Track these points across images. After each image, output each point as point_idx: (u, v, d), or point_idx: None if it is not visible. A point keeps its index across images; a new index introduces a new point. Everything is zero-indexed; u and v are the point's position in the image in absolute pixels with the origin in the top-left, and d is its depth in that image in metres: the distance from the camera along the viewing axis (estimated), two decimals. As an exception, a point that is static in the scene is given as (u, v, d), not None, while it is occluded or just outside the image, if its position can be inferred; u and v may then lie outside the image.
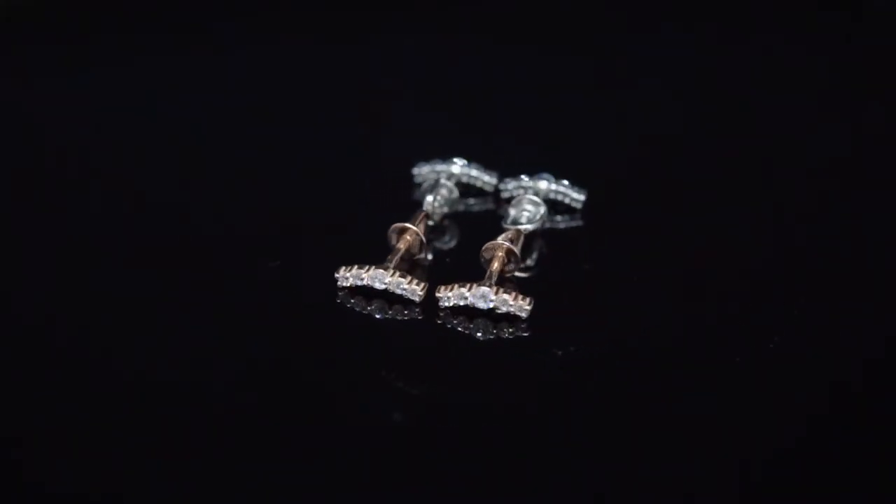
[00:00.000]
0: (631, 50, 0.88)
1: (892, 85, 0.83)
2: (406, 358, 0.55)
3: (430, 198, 0.64)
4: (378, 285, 0.58)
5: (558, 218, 0.65)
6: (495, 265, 0.59)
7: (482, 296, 0.57)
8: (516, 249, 0.59)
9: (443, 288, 0.58)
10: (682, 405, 0.54)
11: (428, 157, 0.68)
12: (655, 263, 0.63)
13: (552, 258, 0.62)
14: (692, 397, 0.54)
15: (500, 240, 0.59)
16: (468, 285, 0.57)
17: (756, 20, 0.93)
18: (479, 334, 0.57)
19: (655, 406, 0.53)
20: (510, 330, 0.57)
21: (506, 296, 0.57)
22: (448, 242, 0.64)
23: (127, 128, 0.74)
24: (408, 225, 0.61)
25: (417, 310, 0.58)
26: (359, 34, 0.86)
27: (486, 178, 0.67)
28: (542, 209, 0.62)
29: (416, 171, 0.67)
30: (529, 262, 0.62)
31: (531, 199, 0.62)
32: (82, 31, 0.86)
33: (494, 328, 0.57)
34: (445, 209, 0.65)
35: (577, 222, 0.65)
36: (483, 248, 0.60)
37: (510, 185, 0.66)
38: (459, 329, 0.57)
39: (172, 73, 0.81)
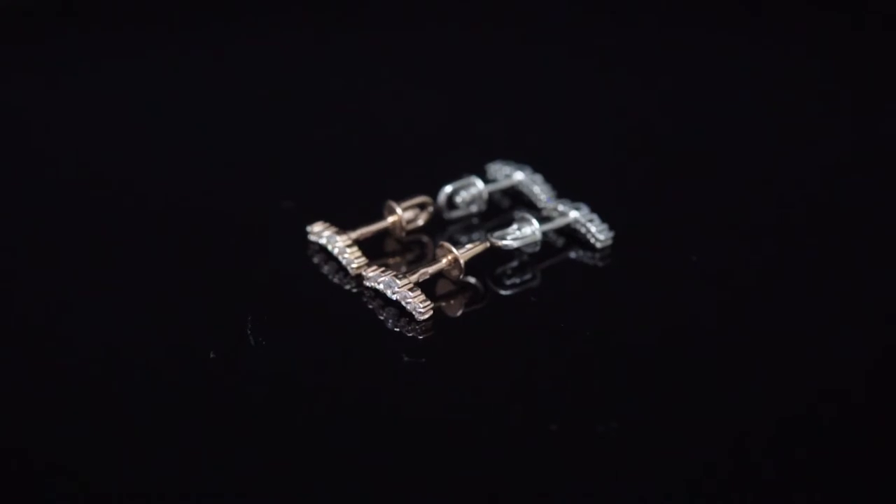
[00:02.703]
0: (631, 50, 0.83)
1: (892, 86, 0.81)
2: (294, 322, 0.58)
3: (448, 188, 0.65)
4: (330, 248, 0.61)
5: (581, 252, 0.63)
6: (435, 265, 0.60)
7: (388, 285, 0.58)
8: (462, 260, 0.60)
9: (371, 268, 0.60)
10: (679, 407, 0.54)
11: (423, 157, 0.70)
12: (652, 266, 0.62)
13: (539, 280, 0.62)
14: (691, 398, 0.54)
15: (458, 246, 0.60)
16: (389, 272, 0.59)
17: (756, 20, 0.87)
18: (389, 322, 0.58)
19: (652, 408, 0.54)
20: (411, 328, 0.58)
21: (409, 293, 0.58)
22: (470, 240, 0.64)
23: (119, 126, 0.75)
24: (395, 207, 0.63)
25: (353, 283, 0.60)
26: (357, 32, 0.86)
27: (539, 195, 0.66)
28: (536, 235, 0.61)
29: (487, 167, 0.68)
30: (517, 279, 0.61)
31: (531, 223, 0.62)
32: (61, 31, 0.85)
33: (398, 322, 0.58)
34: (474, 208, 0.65)
35: (594, 261, 0.63)
36: (439, 245, 0.60)
37: (549, 204, 0.65)
38: (371, 310, 0.59)
39: (166, 72, 0.81)
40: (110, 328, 0.57)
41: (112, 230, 0.64)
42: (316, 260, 0.62)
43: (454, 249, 0.60)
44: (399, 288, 0.58)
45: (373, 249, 0.62)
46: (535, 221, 0.62)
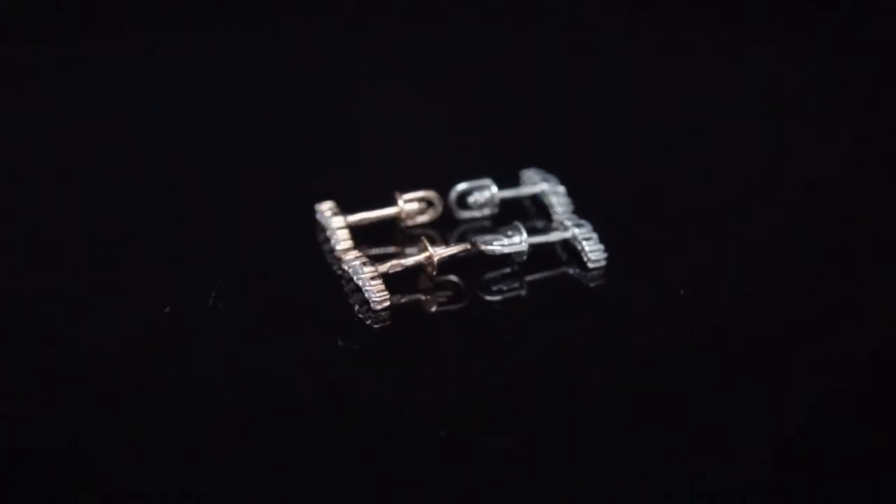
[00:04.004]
0: (630, 51, 0.81)
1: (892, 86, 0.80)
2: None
3: (462, 186, 0.66)
4: (325, 227, 0.64)
5: (577, 269, 0.63)
6: (409, 259, 0.61)
7: (355, 270, 0.60)
8: (435, 259, 0.61)
9: (352, 252, 0.62)
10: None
11: (416, 159, 0.71)
12: (644, 288, 0.62)
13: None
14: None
15: (438, 244, 0.62)
16: (362, 258, 0.61)
17: (758, 23, 0.84)
18: (355, 307, 0.60)
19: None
20: (369, 316, 0.59)
21: (370, 281, 0.59)
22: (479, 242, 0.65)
23: (117, 126, 0.76)
24: (397, 197, 0.65)
25: (337, 264, 0.63)
26: (350, 30, 0.85)
27: (557, 209, 0.66)
28: (523, 246, 0.62)
29: (522, 173, 0.69)
30: (503, 286, 0.62)
31: (521, 233, 0.62)
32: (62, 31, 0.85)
33: (362, 308, 0.60)
34: (487, 211, 0.67)
35: (585, 280, 0.62)
36: (421, 238, 0.62)
37: (559, 218, 0.65)
38: (344, 293, 0.61)
39: (167, 72, 0.81)
40: (109, 327, 0.60)
41: (111, 229, 0.67)
42: (320, 238, 0.65)
43: (429, 247, 0.61)
44: (362, 274, 0.60)
45: (375, 236, 0.64)
46: (524, 232, 0.62)
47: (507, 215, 0.66)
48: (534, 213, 0.68)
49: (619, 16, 0.87)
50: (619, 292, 0.62)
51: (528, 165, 0.69)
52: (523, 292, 0.62)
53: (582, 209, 0.66)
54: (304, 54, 0.83)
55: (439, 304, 0.61)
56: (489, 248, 0.62)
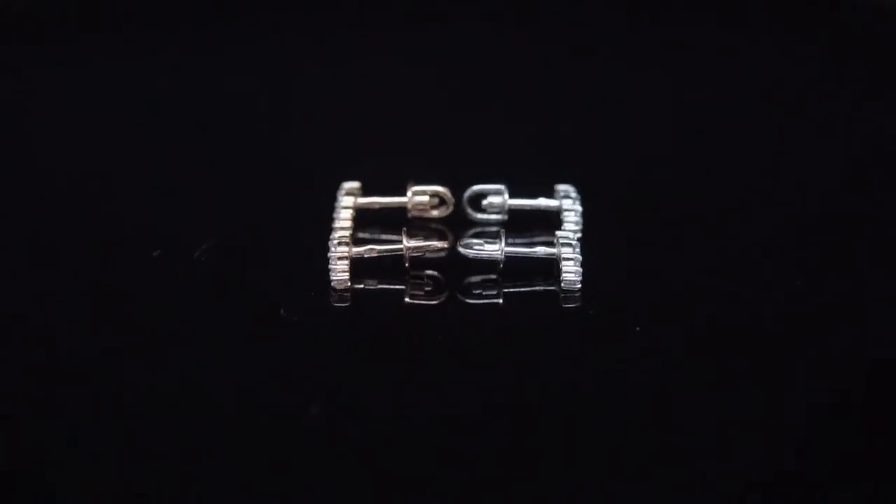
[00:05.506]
0: (630, 51, 0.82)
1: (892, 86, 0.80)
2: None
3: (476, 187, 0.66)
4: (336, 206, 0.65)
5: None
6: (384, 247, 0.62)
7: (330, 249, 0.61)
8: (407, 251, 0.62)
9: (342, 231, 0.62)
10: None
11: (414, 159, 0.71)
12: (648, 271, 0.63)
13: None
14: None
15: (416, 237, 0.63)
16: (345, 238, 0.62)
17: (758, 23, 0.85)
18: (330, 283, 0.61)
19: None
20: (332, 294, 0.61)
21: (338, 261, 0.61)
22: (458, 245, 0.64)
23: (116, 127, 0.76)
24: (408, 188, 0.65)
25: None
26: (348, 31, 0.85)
27: (565, 225, 0.65)
28: (498, 255, 0.62)
29: (556, 187, 0.68)
30: (480, 291, 0.62)
31: (500, 242, 0.62)
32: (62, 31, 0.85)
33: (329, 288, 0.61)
34: (497, 216, 0.67)
35: (558, 299, 0.62)
36: (402, 230, 0.63)
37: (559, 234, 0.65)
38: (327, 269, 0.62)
39: (166, 72, 0.81)
40: (109, 327, 0.60)
41: (110, 228, 0.67)
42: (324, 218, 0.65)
43: (405, 239, 0.62)
44: (333, 253, 0.61)
45: (380, 223, 0.65)
46: (503, 241, 0.62)
47: (527, 224, 0.66)
48: (557, 225, 0.67)
49: (618, 16, 0.87)
50: (615, 289, 0.62)
51: (529, 167, 0.70)
52: (498, 301, 0.62)
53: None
54: (304, 54, 0.83)
55: (412, 297, 0.62)
56: (466, 251, 0.63)
